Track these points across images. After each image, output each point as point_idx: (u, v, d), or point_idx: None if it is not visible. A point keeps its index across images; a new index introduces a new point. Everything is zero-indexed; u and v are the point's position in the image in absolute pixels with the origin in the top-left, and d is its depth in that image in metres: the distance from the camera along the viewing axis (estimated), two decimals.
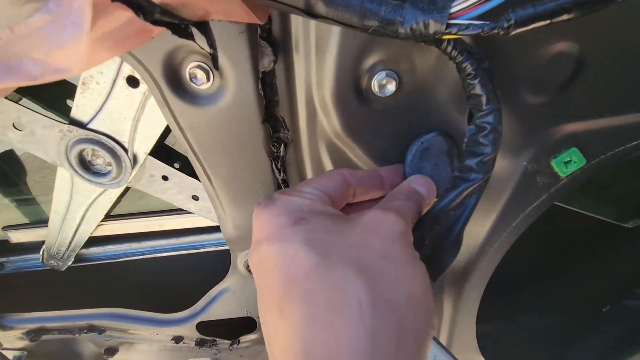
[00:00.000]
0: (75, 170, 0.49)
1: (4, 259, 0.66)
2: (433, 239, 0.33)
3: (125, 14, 0.22)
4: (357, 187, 0.34)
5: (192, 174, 0.55)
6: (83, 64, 0.24)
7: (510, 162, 0.41)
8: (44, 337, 0.64)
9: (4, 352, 0.62)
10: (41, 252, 0.62)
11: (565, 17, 0.24)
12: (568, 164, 0.39)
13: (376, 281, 0.24)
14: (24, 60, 0.24)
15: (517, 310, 0.76)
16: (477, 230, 0.47)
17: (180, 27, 0.25)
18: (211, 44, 0.28)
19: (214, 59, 0.29)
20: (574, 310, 0.74)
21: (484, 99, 0.31)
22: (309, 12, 0.28)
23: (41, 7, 0.22)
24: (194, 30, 0.27)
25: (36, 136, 0.46)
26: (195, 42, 0.27)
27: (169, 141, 0.56)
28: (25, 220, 0.64)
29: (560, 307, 0.75)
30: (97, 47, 0.24)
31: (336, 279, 0.24)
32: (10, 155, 0.63)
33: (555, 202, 0.56)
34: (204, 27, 0.27)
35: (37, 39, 0.23)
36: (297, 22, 0.35)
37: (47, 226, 0.59)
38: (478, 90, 0.30)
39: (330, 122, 0.41)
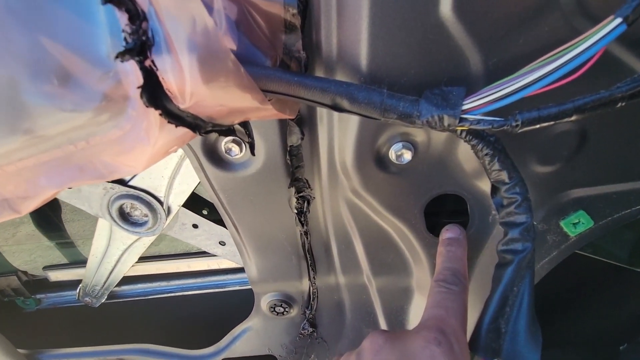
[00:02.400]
0: (115, 221, 0.53)
1: (42, 295, 0.71)
2: (509, 322, 0.31)
3: (183, 129, 0.26)
4: None
5: (219, 220, 0.59)
6: (145, 165, 0.28)
7: None
8: None
9: None
10: (78, 290, 0.66)
11: (567, 119, 0.27)
12: (577, 225, 0.41)
13: None
14: (96, 164, 0.28)
15: None
16: None
17: (225, 129, 0.29)
18: (249, 134, 0.32)
19: (251, 147, 0.32)
20: (592, 346, 0.74)
21: (506, 174, 0.33)
22: (335, 108, 0.32)
23: (116, 124, 0.26)
24: (236, 126, 0.31)
25: (82, 193, 0.51)
26: (237, 136, 0.30)
27: (197, 189, 0.60)
28: (64, 260, 0.69)
29: (579, 343, 0.75)
30: (158, 152, 0.28)
31: None
32: (52, 201, 0.69)
33: None
34: (244, 124, 0.31)
35: (109, 148, 0.27)
36: None
37: (84, 266, 0.64)
38: (498, 166, 0.32)
39: (350, 182, 0.44)
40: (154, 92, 0.22)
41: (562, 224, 0.42)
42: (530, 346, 0.30)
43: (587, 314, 0.75)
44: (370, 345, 0.34)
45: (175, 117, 0.24)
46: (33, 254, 0.68)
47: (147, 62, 0.21)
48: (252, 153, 0.33)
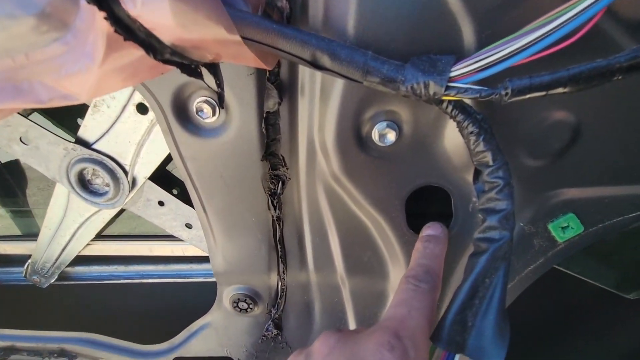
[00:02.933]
0: (73, 188, 0.49)
1: None
2: (477, 315, 0.28)
3: (137, 51, 0.23)
4: None
5: (188, 201, 0.55)
6: (91, 93, 0.25)
7: None
8: (12, 357, 0.60)
9: None
10: (25, 267, 0.60)
11: (560, 90, 0.25)
12: (565, 229, 0.38)
13: None
14: (34, 84, 0.25)
15: None
16: None
17: (190, 67, 0.26)
18: (219, 84, 0.29)
19: (220, 98, 0.29)
20: None
21: (490, 155, 0.30)
22: (315, 64, 0.29)
23: (59, 38, 0.23)
24: (203, 70, 0.28)
25: (40, 151, 0.47)
26: (203, 81, 0.28)
27: (169, 167, 0.56)
28: (16, 232, 0.64)
29: None
30: (106, 78, 0.24)
31: None
32: (14, 165, 0.64)
33: (556, 267, 0.55)
34: (213, 68, 0.28)
35: (50, 66, 0.24)
36: (304, 67, 0.37)
37: (33, 240, 0.58)
38: (482, 147, 0.30)
39: (329, 164, 0.41)
40: None
41: (550, 227, 0.39)
42: (497, 343, 0.27)
43: (575, 345, 0.70)
44: (320, 346, 0.31)
45: (124, 27, 0.21)
46: None
47: None
48: (221, 105, 0.30)
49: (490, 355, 0.28)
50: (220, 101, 0.30)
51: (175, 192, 0.57)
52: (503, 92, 0.26)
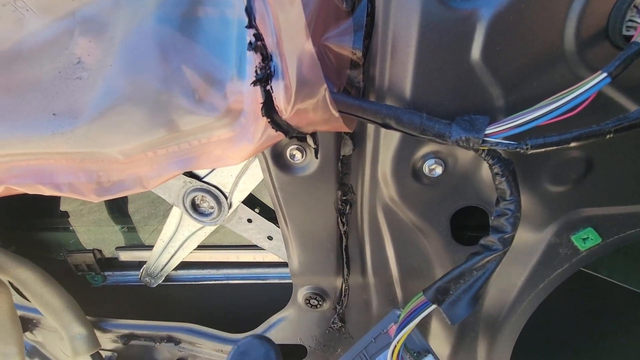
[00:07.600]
0: (187, 210, 0.64)
1: (109, 273, 0.82)
2: (457, 290, 0.43)
3: (278, 133, 0.37)
4: None
5: (269, 218, 0.68)
6: (243, 159, 0.39)
7: (536, 235, 0.50)
8: (132, 342, 0.77)
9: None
10: (141, 271, 0.77)
11: (566, 146, 0.35)
12: (586, 240, 0.47)
13: None
14: (209, 154, 0.39)
15: None
16: (509, 288, 0.55)
17: (302, 136, 0.39)
18: (316, 142, 0.42)
19: (316, 151, 0.42)
20: None
21: (507, 192, 0.41)
22: (384, 126, 0.41)
23: (228, 125, 0.37)
24: (307, 135, 0.41)
25: (166, 184, 0.62)
26: (307, 143, 0.40)
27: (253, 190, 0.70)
28: (128, 243, 0.81)
29: None
30: (254, 150, 0.38)
31: None
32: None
33: (585, 270, 0.63)
34: (313, 134, 0.41)
35: (221, 144, 0.38)
36: None
37: (147, 249, 0.75)
38: (504, 185, 0.41)
39: (388, 190, 0.53)
40: (268, 107, 0.32)
41: (572, 238, 0.48)
42: (461, 312, 0.42)
43: (603, 347, 0.76)
44: None
45: (277, 124, 0.34)
46: (100, 235, 0.81)
47: (268, 87, 0.31)
48: (316, 156, 0.43)
49: (452, 315, 0.42)
50: (316, 153, 0.43)
51: (257, 210, 0.71)
52: (524, 147, 0.37)
